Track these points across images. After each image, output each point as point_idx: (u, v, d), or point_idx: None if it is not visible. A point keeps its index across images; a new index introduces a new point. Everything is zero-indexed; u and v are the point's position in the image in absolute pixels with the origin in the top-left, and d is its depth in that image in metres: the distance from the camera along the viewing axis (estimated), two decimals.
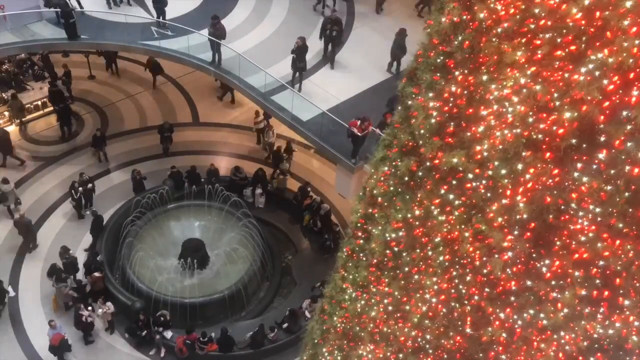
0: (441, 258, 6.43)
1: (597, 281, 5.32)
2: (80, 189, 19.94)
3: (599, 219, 4.96)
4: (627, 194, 4.69)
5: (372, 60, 19.52)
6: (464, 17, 5.43)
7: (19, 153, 22.75)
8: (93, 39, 20.06)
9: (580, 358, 5.90)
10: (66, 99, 23.61)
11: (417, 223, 6.61)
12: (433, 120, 6.00)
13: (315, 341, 9.91)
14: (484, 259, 5.92)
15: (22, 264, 18.98)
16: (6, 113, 23.53)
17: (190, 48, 19.59)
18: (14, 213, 19.79)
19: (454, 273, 6.43)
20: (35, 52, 23.77)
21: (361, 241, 7.86)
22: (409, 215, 6.65)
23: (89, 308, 17.16)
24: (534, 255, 5.59)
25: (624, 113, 4.42)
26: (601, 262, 5.16)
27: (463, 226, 6.02)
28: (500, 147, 5.26)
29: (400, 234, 6.91)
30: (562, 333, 5.83)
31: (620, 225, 4.88)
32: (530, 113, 4.95)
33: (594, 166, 4.76)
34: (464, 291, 6.46)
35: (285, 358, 17.07)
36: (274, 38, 20.28)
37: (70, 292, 17.62)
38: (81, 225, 20.07)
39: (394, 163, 6.83)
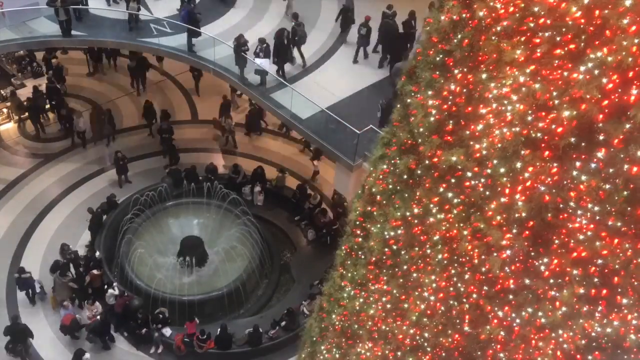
0: (440, 256, 6.44)
1: (596, 280, 5.33)
2: None
3: (597, 217, 4.97)
4: (625, 192, 4.70)
5: (371, 58, 19.50)
6: (464, 15, 5.43)
7: (17, 151, 22.75)
8: (93, 36, 20.06)
9: (578, 356, 5.91)
10: (61, 95, 23.57)
11: (415, 221, 6.62)
12: (432, 119, 6.00)
13: (314, 339, 9.92)
14: (483, 257, 5.93)
15: (20, 262, 18.97)
16: (5, 110, 23.52)
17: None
18: None
19: (453, 271, 6.43)
20: (34, 49, 23.73)
21: (360, 239, 7.87)
22: (408, 214, 6.66)
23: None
24: (532, 253, 5.60)
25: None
26: (599, 261, 5.17)
27: (462, 224, 6.03)
28: (499, 145, 5.26)
29: (399, 232, 6.92)
30: (560, 331, 5.84)
31: (619, 223, 4.88)
32: (529, 111, 4.95)
33: (593, 165, 4.76)
34: (462, 289, 6.46)
35: (283, 356, 17.09)
36: (272, 36, 20.24)
37: (70, 283, 17.62)
38: (80, 222, 20.07)
39: (392, 161, 6.83)
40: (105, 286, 17.64)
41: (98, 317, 16.94)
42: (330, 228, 19.74)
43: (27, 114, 23.32)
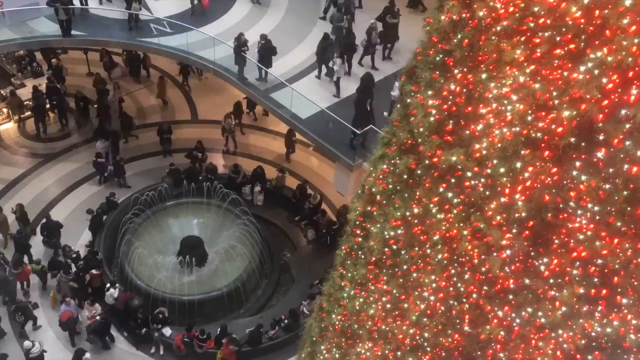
0: (440, 256, 6.44)
1: (595, 279, 5.33)
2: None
3: (597, 217, 4.97)
4: (625, 192, 4.69)
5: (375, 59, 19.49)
6: (464, 15, 5.43)
7: (17, 150, 22.74)
8: (92, 36, 20.06)
9: (578, 356, 5.91)
10: (61, 95, 23.57)
11: (415, 221, 6.61)
12: (432, 119, 6.00)
13: (314, 339, 9.92)
14: (483, 257, 5.93)
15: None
16: (5, 110, 23.52)
17: (189, 45, 19.58)
18: None
19: (453, 271, 6.43)
20: (34, 49, 23.73)
21: (360, 239, 7.87)
22: (408, 213, 6.66)
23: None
24: (532, 253, 5.60)
25: (623, 112, 4.42)
26: (599, 261, 5.17)
27: (462, 224, 6.03)
28: (499, 145, 5.25)
29: (399, 232, 6.91)
30: (560, 331, 5.84)
31: (619, 223, 4.88)
32: (529, 111, 4.95)
33: (593, 165, 4.76)
34: (462, 289, 6.46)
35: (283, 356, 17.08)
36: (272, 36, 20.25)
37: (71, 283, 17.64)
38: (80, 222, 20.07)
39: (392, 161, 6.83)
40: (108, 284, 17.62)
41: (97, 317, 16.93)
42: (330, 228, 19.74)
43: (28, 113, 23.36)
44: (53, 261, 18.11)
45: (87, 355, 15.73)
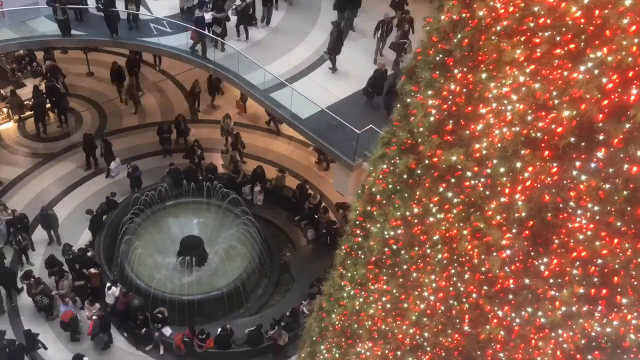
0: (439, 256, 6.44)
1: (595, 279, 5.33)
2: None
3: (597, 217, 4.97)
4: (625, 192, 4.69)
5: (371, 58, 19.50)
6: (464, 15, 5.43)
7: (17, 150, 22.72)
8: (92, 36, 20.05)
9: (578, 356, 5.91)
10: (61, 94, 23.56)
11: (415, 221, 6.62)
12: (432, 118, 6.00)
13: (314, 339, 9.92)
14: (483, 257, 5.93)
15: (20, 260, 18.97)
16: (4, 109, 23.52)
17: (189, 45, 19.57)
18: None
19: (453, 271, 6.43)
20: (34, 49, 23.73)
21: (360, 239, 7.87)
22: (408, 213, 6.66)
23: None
24: (532, 253, 5.60)
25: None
26: (599, 261, 5.17)
27: (461, 224, 6.03)
28: (499, 145, 5.26)
29: (399, 231, 6.91)
30: (560, 331, 5.84)
31: (619, 223, 4.88)
32: (529, 111, 4.95)
33: (593, 164, 4.76)
34: (462, 289, 6.47)
35: (283, 355, 17.09)
36: (273, 35, 20.27)
37: (76, 283, 17.63)
38: (80, 222, 20.06)
39: (392, 161, 6.83)
40: (109, 284, 17.60)
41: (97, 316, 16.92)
42: (330, 228, 19.75)
43: (27, 112, 23.32)
44: (51, 260, 18.01)
45: (86, 359, 15.73)
